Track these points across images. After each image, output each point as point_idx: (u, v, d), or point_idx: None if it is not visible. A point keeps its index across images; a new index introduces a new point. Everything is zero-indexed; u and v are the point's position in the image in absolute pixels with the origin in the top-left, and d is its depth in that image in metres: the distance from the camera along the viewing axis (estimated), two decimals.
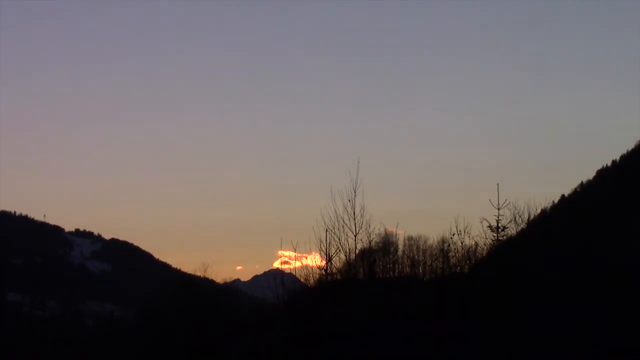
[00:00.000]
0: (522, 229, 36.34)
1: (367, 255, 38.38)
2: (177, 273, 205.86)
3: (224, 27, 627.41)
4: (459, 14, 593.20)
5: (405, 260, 43.28)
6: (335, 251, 36.04)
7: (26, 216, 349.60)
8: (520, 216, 35.57)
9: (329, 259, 36.20)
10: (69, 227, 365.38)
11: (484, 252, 37.00)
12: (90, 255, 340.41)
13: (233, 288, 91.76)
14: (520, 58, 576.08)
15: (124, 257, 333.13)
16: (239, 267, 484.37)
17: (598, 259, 35.82)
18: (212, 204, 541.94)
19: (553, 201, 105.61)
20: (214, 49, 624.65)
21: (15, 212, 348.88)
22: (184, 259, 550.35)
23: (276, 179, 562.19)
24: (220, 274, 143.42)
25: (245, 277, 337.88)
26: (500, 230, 34.97)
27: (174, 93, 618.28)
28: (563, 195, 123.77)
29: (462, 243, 36.89)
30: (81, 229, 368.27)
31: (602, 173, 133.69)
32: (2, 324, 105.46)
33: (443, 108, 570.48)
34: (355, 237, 35.79)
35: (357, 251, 36.56)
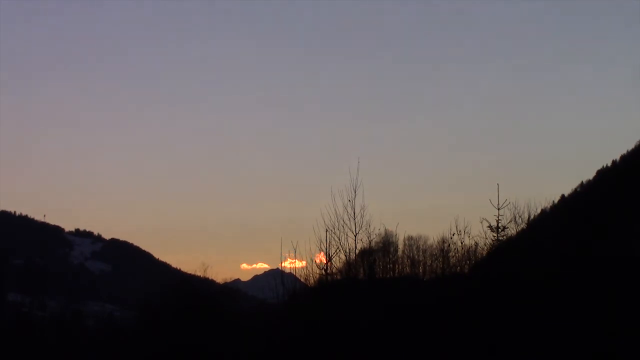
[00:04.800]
0: (522, 229, 36.34)
1: (367, 255, 38.31)
2: (177, 273, 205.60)
3: (224, 26, 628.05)
4: (458, 14, 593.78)
5: (405, 260, 43.09)
6: (335, 251, 36.06)
7: (26, 216, 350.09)
8: (520, 216, 35.65)
9: (329, 259, 36.20)
10: (69, 227, 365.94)
11: (484, 252, 36.97)
12: (90, 255, 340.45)
13: (233, 288, 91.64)
14: (520, 58, 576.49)
15: (124, 257, 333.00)
16: (243, 266, 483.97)
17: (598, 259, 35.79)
18: (212, 203, 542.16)
19: (553, 201, 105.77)
20: (214, 49, 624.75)
21: (15, 212, 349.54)
22: (184, 259, 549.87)
23: (276, 179, 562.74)
24: (221, 273, 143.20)
25: (247, 277, 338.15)
26: (500, 230, 35.02)
27: (174, 93, 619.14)
28: (563, 195, 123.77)
29: (462, 243, 36.85)
30: (81, 229, 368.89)
31: (602, 173, 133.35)
32: (2, 324, 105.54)
33: (443, 108, 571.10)
34: (355, 237, 35.83)
35: (357, 251, 36.58)
